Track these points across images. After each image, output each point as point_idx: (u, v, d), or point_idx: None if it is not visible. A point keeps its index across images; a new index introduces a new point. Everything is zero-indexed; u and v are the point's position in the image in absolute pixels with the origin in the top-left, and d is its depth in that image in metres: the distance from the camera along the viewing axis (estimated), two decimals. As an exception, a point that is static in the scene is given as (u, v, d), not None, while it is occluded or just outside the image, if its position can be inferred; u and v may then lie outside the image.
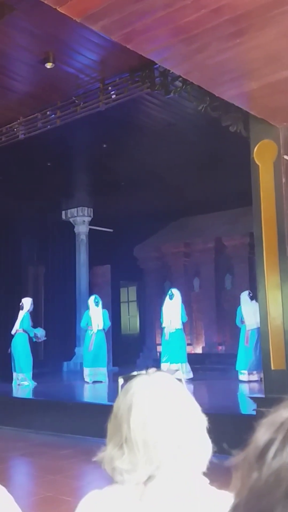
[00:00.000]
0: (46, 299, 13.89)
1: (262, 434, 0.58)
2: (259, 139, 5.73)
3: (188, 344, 13.68)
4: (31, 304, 10.71)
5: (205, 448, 1.16)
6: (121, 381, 1.25)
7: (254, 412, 5.59)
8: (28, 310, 10.58)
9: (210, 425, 1.19)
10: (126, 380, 1.22)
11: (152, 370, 1.23)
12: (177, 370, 1.32)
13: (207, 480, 1.16)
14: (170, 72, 5.78)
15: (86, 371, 10.34)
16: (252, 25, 4.03)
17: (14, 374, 10.24)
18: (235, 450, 0.63)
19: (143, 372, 1.23)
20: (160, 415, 1.13)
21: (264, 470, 0.55)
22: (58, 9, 3.61)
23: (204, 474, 1.17)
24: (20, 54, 6.39)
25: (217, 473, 1.14)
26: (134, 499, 1.12)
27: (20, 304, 10.70)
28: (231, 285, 13.43)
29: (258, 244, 5.74)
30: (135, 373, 1.23)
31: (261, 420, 0.60)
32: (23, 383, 10.06)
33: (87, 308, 10.89)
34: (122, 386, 1.22)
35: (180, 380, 1.23)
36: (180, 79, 5.95)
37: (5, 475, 5.41)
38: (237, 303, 12.80)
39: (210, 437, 1.18)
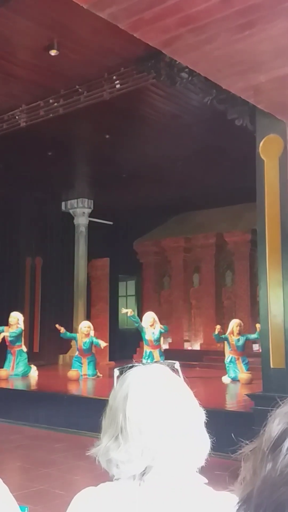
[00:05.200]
0: (43, 290, 13.82)
1: (276, 424, 0.57)
2: (265, 134, 5.66)
3: (186, 341, 13.65)
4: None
5: (202, 441, 1.13)
6: (116, 372, 1.23)
7: (251, 410, 5.54)
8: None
9: (207, 420, 1.16)
10: (122, 372, 1.21)
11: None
12: (174, 362, 1.31)
13: (204, 480, 1.13)
14: (177, 62, 5.69)
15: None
16: (262, 17, 3.96)
17: None
18: (235, 445, 0.62)
19: (139, 364, 1.22)
20: (155, 404, 1.12)
21: (279, 461, 0.55)
22: (66, -6, 3.52)
23: (202, 469, 1.15)
24: (24, 40, 6.29)
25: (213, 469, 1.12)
26: (128, 496, 1.09)
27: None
28: (231, 282, 13.37)
29: (261, 241, 5.68)
30: (130, 364, 1.22)
31: (273, 411, 0.60)
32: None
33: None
34: (118, 378, 1.21)
35: (177, 371, 1.22)
36: (187, 70, 5.87)
37: (-2, 467, 5.38)
38: (238, 300, 12.79)
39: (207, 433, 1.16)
